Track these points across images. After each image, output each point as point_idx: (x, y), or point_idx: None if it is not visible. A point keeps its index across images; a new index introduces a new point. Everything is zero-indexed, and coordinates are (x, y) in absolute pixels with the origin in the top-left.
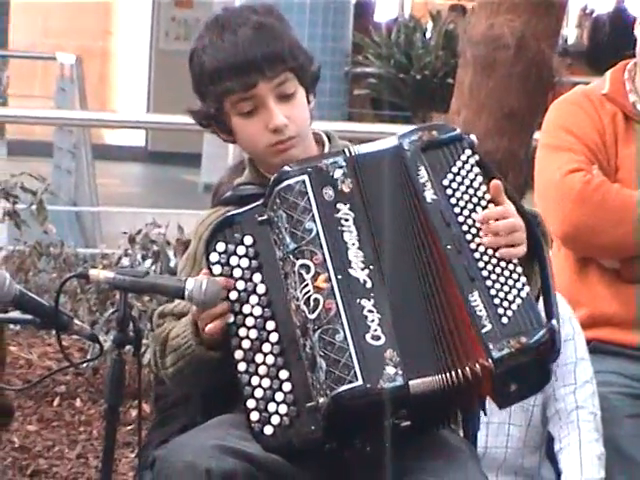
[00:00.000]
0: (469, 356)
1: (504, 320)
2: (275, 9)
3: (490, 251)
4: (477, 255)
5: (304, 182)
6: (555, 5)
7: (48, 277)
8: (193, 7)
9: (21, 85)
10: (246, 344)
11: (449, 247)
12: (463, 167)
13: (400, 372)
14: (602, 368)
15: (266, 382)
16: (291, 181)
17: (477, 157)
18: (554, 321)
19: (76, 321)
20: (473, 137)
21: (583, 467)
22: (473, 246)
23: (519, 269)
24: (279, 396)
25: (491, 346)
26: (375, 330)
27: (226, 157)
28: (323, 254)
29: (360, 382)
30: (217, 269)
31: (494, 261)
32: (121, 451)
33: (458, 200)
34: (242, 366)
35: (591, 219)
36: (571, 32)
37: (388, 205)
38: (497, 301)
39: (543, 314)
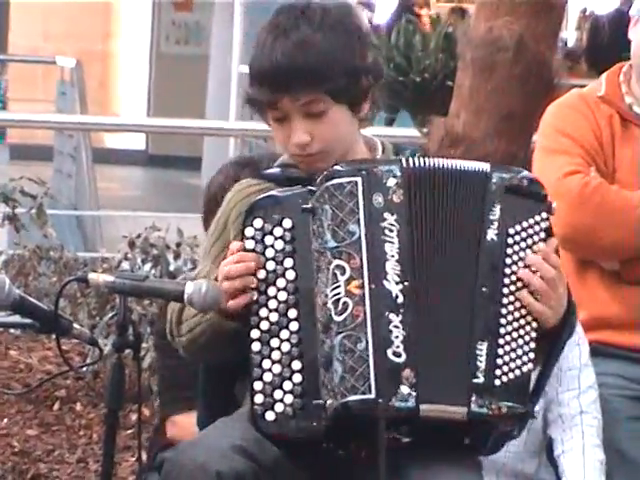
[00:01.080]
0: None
1: (497, 382)
2: (341, 15)
3: (517, 314)
4: (504, 311)
5: (356, 184)
6: (554, 7)
7: (48, 281)
8: (193, 10)
9: (22, 89)
10: (264, 325)
11: (484, 290)
12: (533, 226)
13: (414, 394)
14: (602, 370)
15: (277, 368)
16: (343, 180)
17: (549, 224)
18: (536, 407)
19: (76, 325)
20: (555, 204)
21: (586, 471)
22: (505, 301)
23: (533, 345)
24: (287, 385)
25: (473, 398)
26: (398, 347)
27: (227, 160)
28: (361, 259)
29: (373, 396)
30: (250, 244)
31: (516, 325)
32: (121, 455)
33: (514, 253)
34: (256, 346)
35: (590, 221)
36: (570, 34)
37: (442, 224)
38: (500, 362)
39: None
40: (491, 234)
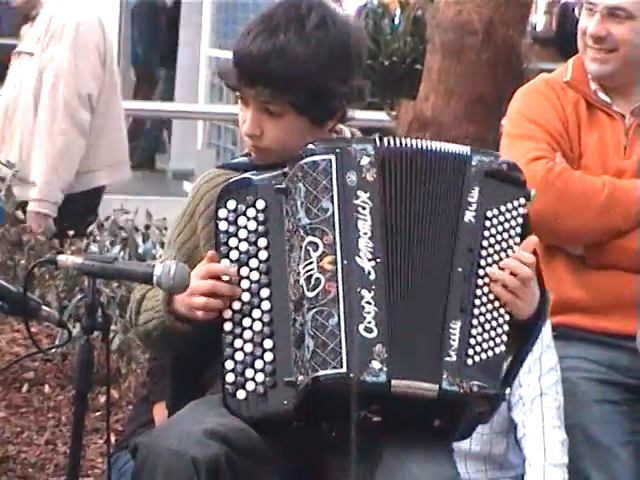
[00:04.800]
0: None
1: (469, 361)
2: (337, 35)
3: (492, 296)
4: (479, 292)
5: (330, 162)
6: None
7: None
8: None
9: None
10: (236, 305)
11: (459, 270)
12: (511, 211)
13: (385, 369)
14: (569, 353)
15: (249, 347)
16: (317, 158)
17: (526, 210)
18: (507, 390)
19: (44, 307)
20: (534, 191)
21: (547, 452)
22: (480, 282)
23: (506, 327)
24: (259, 364)
25: (444, 376)
26: (369, 322)
27: (195, 144)
28: (334, 236)
29: (344, 370)
30: (223, 225)
31: (490, 306)
32: (89, 437)
33: (491, 236)
34: (228, 326)
35: (554, 206)
36: (539, 19)
37: (418, 205)
38: (472, 341)
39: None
40: (468, 216)
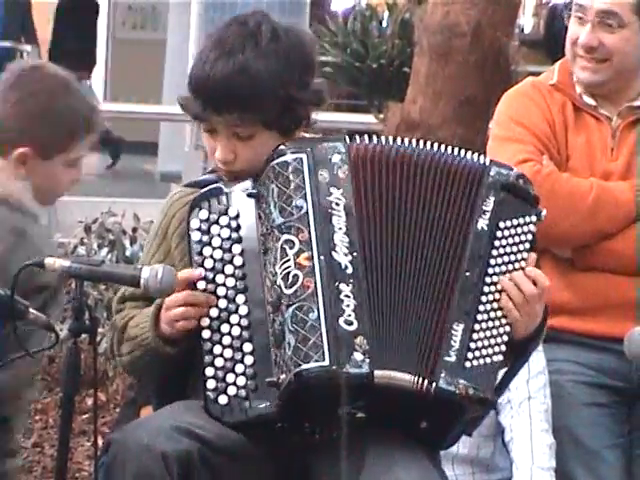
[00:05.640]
0: (423, 369)
1: (467, 364)
2: (290, 43)
3: (496, 305)
4: (484, 299)
5: (301, 160)
6: None
7: None
8: None
9: None
10: (214, 312)
11: (467, 274)
12: (522, 226)
13: (367, 360)
14: (557, 356)
15: (228, 352)
16: (288, 157)
17: (534, 228)
18: (498, 399)
19: (32, 310)
20: (544, 212)
21: (534, 456)
22: (486, 290)
23: (506, 338)
24: (239, 368)
25: (442, 374)
26: (349, 315)
27: (183, 146)
28: (309, 232)
29: (327, 362)
30: (196, 235)
31: (493, 315)
32: (77, 440)
33: (501, 247)
34: (206, 334)
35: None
36: (527, 21)
37: (391, 199)
38: (473, 346)
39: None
40: (482, 223)
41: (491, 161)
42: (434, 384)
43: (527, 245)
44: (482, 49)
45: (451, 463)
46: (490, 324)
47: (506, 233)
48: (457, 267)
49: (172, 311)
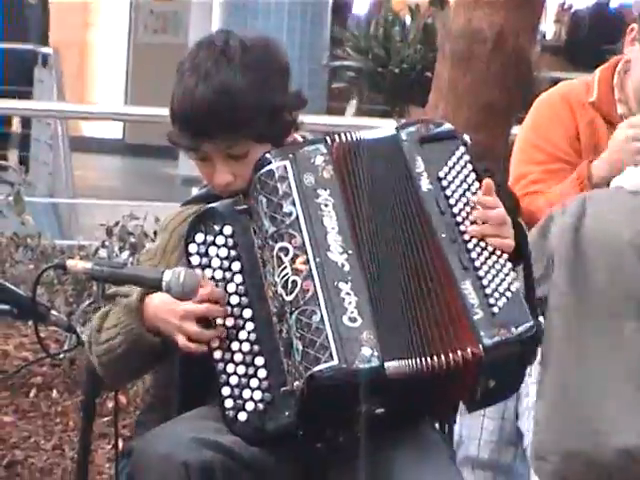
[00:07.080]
0: (459, 342)
1: (495, 310)
2: (260, 52)
3: (483, 243)
4: (470, 245)
5: (285, 167)
6: (533, 0)
7: (25, 268)
8: (171, 0)
9: None
10: (222, 332)
11: (443, 235)
12: (457, 162)
13: (376, 353)
14: None
15: (241, 369)
16: (272, 166)
17: (469, 156)
18: (541, 318)
19: (53, 312)
20: (467, 137)
21: None
22: (466, 237)
23: (509, 264)
24: (254, 382)
25: (482, 333)
26: (352, 312)
27: None
28: (302, 237)
29: (336, 362)
30: (195, 259)
31: (486, 253)
32: (97, 442)
33: (452, 192)
34: (218, 354)
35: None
36: (549, 27)
37: (378, 192)
38: (489, 291)
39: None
40: (425, 185)
41: (396, 128)
42: (480, 347)
43: (472, 175)
44: (504, 55)
45: (471, 468)
46: (489, 263)
47: (449, 178)
48: (432, 235)
49: (186, 324)
